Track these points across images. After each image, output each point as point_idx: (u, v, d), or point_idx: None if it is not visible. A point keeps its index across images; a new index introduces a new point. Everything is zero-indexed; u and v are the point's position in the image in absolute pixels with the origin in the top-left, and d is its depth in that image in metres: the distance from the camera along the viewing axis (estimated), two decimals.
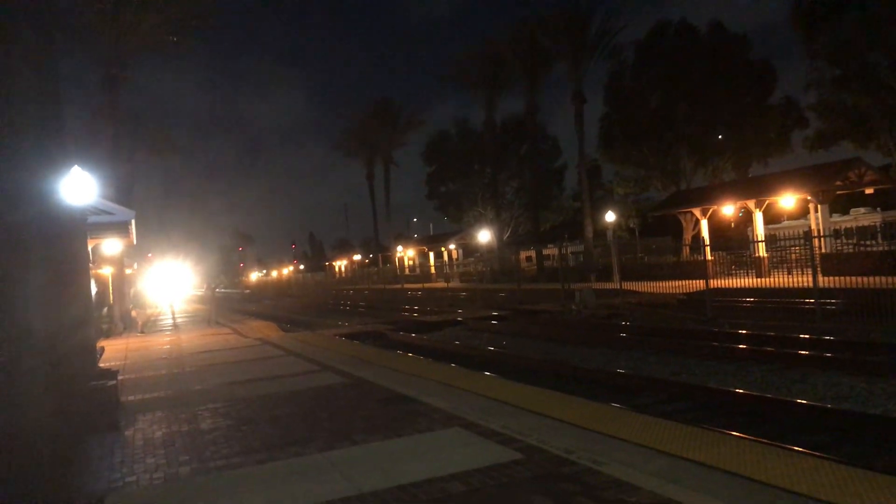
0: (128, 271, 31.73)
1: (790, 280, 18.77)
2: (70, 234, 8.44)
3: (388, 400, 7.96)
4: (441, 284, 50.54)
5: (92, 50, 29.11)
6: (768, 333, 14.02)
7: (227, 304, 50.91)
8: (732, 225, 39.54)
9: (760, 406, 8.43)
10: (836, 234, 24.42)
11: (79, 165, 10.76)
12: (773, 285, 19.54)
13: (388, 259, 69.29)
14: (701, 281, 20.45)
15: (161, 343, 18.65)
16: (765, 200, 26.69)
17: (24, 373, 5.12)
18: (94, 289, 21.04)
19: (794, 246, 21.58)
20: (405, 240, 74.57)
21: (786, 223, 31.19)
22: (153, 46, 32.19)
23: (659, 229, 45.87)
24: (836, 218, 28.68)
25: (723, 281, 22.36)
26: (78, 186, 9.82)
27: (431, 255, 65.07)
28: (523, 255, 47.64)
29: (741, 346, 12.93)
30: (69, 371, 6.99)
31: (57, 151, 7.14)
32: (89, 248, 18.20)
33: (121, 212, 20.30)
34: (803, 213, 30.74)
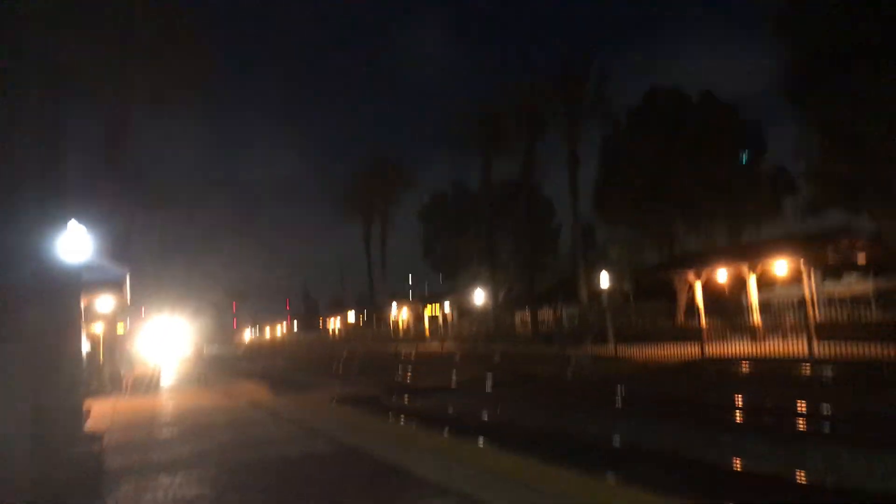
0: (119, 329, 31.44)
1: (785, 347, 18.70)
2: (64, 292, 8.38)
3: (380, 471, 7.78)
4: (435, 346, 50.14)
5: (94, 105, 29.67)
6: (765, 403, 13.88)
7: (218, 365, 50.29)
8: (727, 291, 39.62)
9: (759, 482, 8.27)
10: (830, 301, 24.49)
11: (76, 220, 10.78)
12: (768, 352, 19.45)
13: (383, 319, 68.90)
14: (696, 346, 20.37)
15: (149, 404, 18.32)
16: (758, 266, 26.84)
17: (8, 439, 5.02)
18: (84, 347, 20.81)
19: (789, 313, 21.59)
20: (400, 299, 74.37)
21: (779, 290, 31.29)
22: (154, 103, 32.87)
23: (653, 292, 45.83)
24: (830, 284, 28.79)
25: (718, 346, 22.26)
26: (74, 243, 9.80)
27: (426, 315, 64.77)
28: (519, 317, 47.48)
29: (737, 416, 12.78)
30: (55, 436, 6.84)
31: (56, 208, 7.16)
32: (82, 306, 18.09)
33: (117, 269, 20.31)
34: (797, 278, 30.88)
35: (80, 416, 10.04)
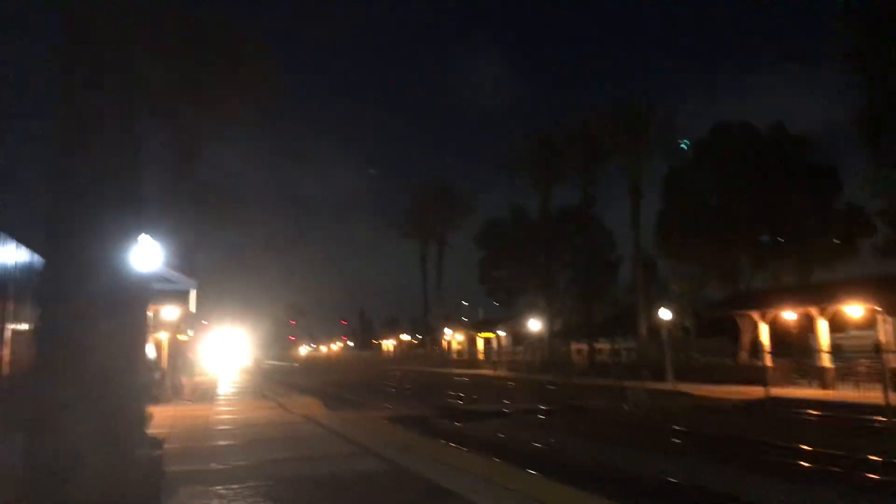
0: (182, 338, 32.41)
1: (857, 393, 17.81)
2: (135, 302, 8.71)
3: (431, 493, 7.73)
4: (488, 371, 49.83)
5: (168, 123, 31.00)
6: (835, 452, 13.20)
7: (275, 377, 51.19)
8: (794, 331, 38.11)
9: None
10: None
11: (148, 233, 11.23)
12: (838, 398, 18.55)
13: (436, 341, 68.95)
14: (759, 388, 19.60)
15: (208, 413, 18.76)
16: (829, 308, 25.73)
17: (83, 438, 5.20)
18: (149, 354, 21.52)
19: (862, 359, 20.59)
20: (454, 322, 74.32)
21: (852, 333, 29.88)
22: (227, 122, 34.14)
23: (715, 330, 44.50)
24: None
25: (783, 389, 21.36)
26: (146, 255, 10.21)
27: (480, 340, 64.51)
28: (574, 347, 46.77)
29: (804, 462, 12.20)
30: (122, 438, 7.06)
31: (132, 222, 7.48)
32: (150, 315, 18.76)
33: (183, 280, 21.02)
34: (871, 323, 29.45)
35: (143, 419, 10.36)
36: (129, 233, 7.14)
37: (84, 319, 5.41)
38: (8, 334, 8.27)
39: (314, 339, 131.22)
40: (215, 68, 31.40)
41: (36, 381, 5.40)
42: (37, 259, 8.84)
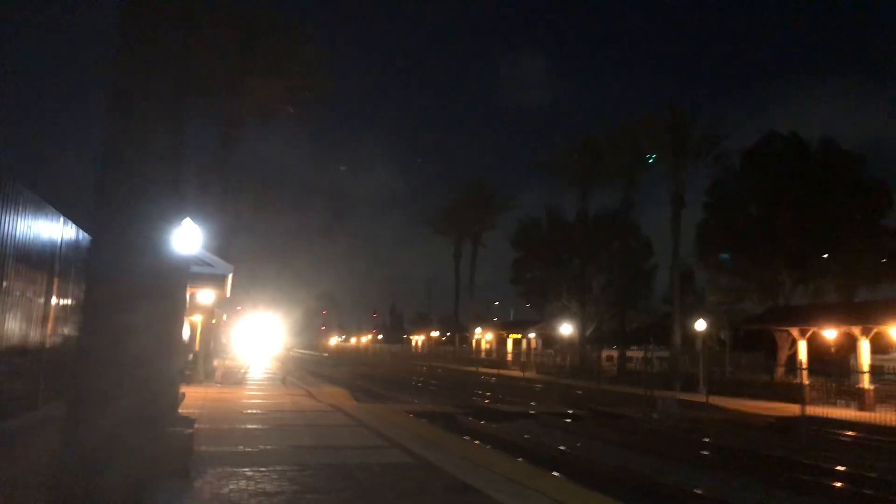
0: (216, 322, 32.98)
1: None
2: (176, 284, 8.88)
3: (454, 488, 7.74)
4: (517, 373, 49.64)
5: (213, 108, 31.47)
6: (870, 474, 12.84)
7: (304, 366, 51.80)
8: (833, 350, 37.15)
9: None
10: None
11: (189, 217, 11.46)
12: (878, 421, 18.02)
13: (466, 339, 68.98)
14: (794, 405, 19.11)
15: (238, 396, 19.07)
16: (872, 328, 25.00)
17: (122, 413, 5.33)
18: (185, 335, 21.95)
19: None
20: (484, 322, 74.22)
21: (895, 355, 29.02)
22: (269, 111, 34.55)
23: (751, 344, 43.64)
24: None
25: (819, 409, 20.85)
26: (186, 238, 10.41)
27: (510, 341, 64.34)
28: (605, 353, 46.34)
29: (838, 483, 11.88)
30: (156, 415, 7.22)
31: (174, 205, 7.63)
32: (187, 297, 19.12)
33: (220, 264, 21.33)
34: None
35: (176, 399, 10.57)
36: (172, 215, 7.29)
37: (128, 300, 5.53)
38: (51, 310, 8.50)
39: (344, 329, 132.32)
40: (261, 57, 31.82)
41: (78, 360, 5.54)
42: (83, 236, 9.05)
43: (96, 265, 5.68)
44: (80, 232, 9.23)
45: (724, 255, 41.53)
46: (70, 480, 4.86)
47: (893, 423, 17.21)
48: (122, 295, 5.43)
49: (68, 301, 9.34)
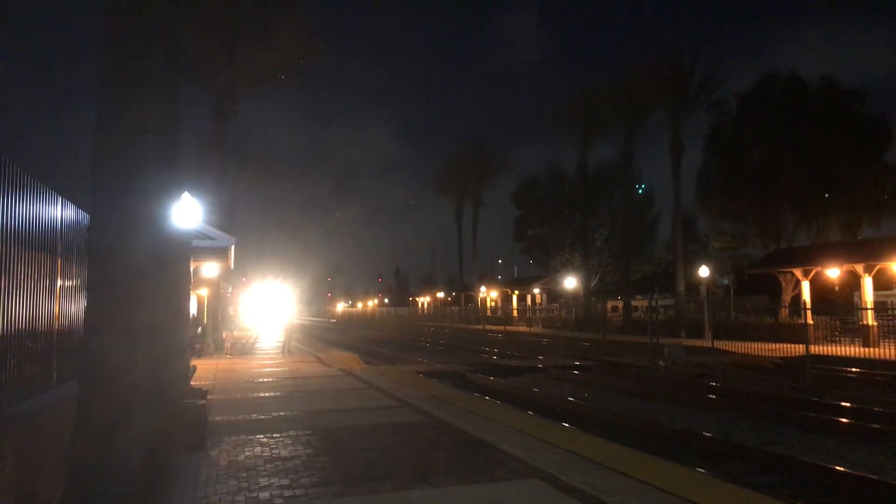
0: (222, 294, 33.18)
1: None
2: (178, 258, 8.93)
3: (466, 443, 7.88)
4: (523, 328, 50.04)
5: (205, 82, 31.15)
6: (875, 409, 13.02)
7: (313, 333, 52.24)
8: (836, 288, 37.27)
9: (865, 488, 7.79)
10: None
11: (187, 191, 11.43)
12: (881, 356, 18.20)
13: (471, 299, 69.35)
14: (799, 346, 19.29)
15: (249, 366, 19.30)
16: (875, 265, 25.06)
17: (133, 388, 5.41)
18: (192, 309, 22.10)
19: None
20: (489, 280, 74.47)
21: None
22: (261, 81, 34.20)
23: (755, 288, 43.83)
24: None
25: (824, 347, 21.04)
26: (186, 212, 10.41)
27: (514, 297, 64.68)
28: (609, 304, 46.55)
29: (844, 419, 12.06)
30: (167, 389, 7.33)
31: (171, 178, 7.62)
32: (191, 271, 19.20)
33: (222, 237, 21.37)
34: None
35: (187, 371, 10.73)
36: (170, 189, 7.28)
37: (130, 275, 5.57)
38: (57, 290, 8.54)
39: (351, 295, 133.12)
40: (250, 26, 31.36)
41: (86, 336, 5.60)
42: (83, 216, 9.07)
43: (96, 243, 5.70)
44: (80, 212, 9.24)
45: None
46: (85, 456, 4.96)
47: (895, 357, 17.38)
48: (125, 270, 5.47)
49: (73, 282, 9.39)
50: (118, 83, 6.14)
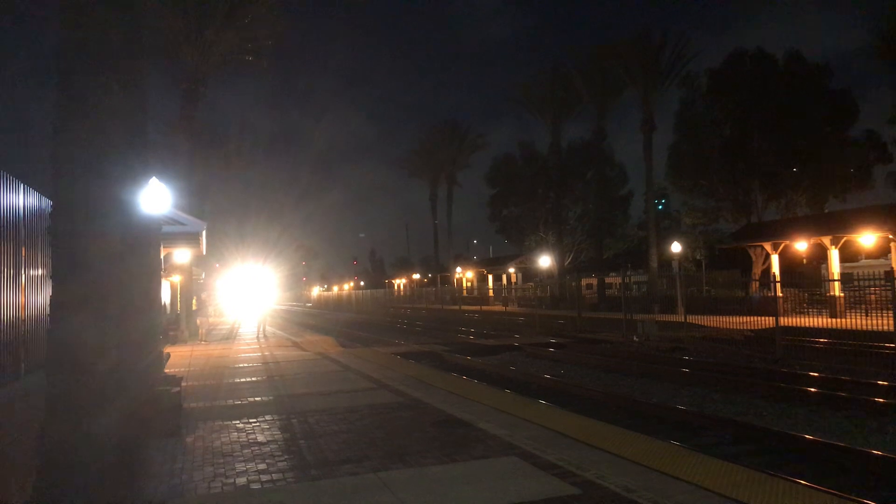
0: (196, 280, 32.78)
1: (867, 322, 17.85)
2: (147, 243, 8.77)
3: (444, 423, 7.91)
4: (499, 308, 50.28)
5: (172, 65, 30.50)
6: (843, 377, 13.35)
7: (289, 317, 51.95)
8: (805, 261, 38.00)
9: (833, 455, 8.00)
10: None
11: (156, 176, 11.21)
12: (848, 327, 18.61)
13: (447, 280, 69.47)
14: (770, 318, 19.65)
15: (224, 353, 19.14)
16: (841, 237, 25.57)
17: (104, 377, 5.32)
18: (164, 296, 21.82)
19: (873, 286, 20.56)
20: (464, 261, 74.60)
21: (864, 262, 29.78)
22: (230, 64, 33.56)
23: (727, 263, 44.46)
24: None
25: (793, 319, 21.47)
26: (155, 197, 10.22)
27: (490, 277, 64.91)
28: (584, 282, 46.97)
29: (813, 388, 12.34)
30: (140, 376, 7.23)
31: (139, 164, 7.46)
32: (161, 257, 18.90)
33: (192, 222, 21.03)
34: (884, 251, 29.30)
35: (160, 358, 10.59)
36: (137, 174, 7.13)
37: (97, 259, 5.46)
38: (23, 280, 8.37)
39: (326, 280, 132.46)
40: (218, 5, 30.70)
41: (53, 322, 5.49)
42: (46, 203, 8.86)
43: (60, 229, 5.58)
44: (43, 199, 9.03)
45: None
46: (57, 444, 4.88)
47: (863, 327, 17.79)
48: (91, 255, 5.36)
49: (40, 271, 9.20)
50: (79, 65, 5.98)
